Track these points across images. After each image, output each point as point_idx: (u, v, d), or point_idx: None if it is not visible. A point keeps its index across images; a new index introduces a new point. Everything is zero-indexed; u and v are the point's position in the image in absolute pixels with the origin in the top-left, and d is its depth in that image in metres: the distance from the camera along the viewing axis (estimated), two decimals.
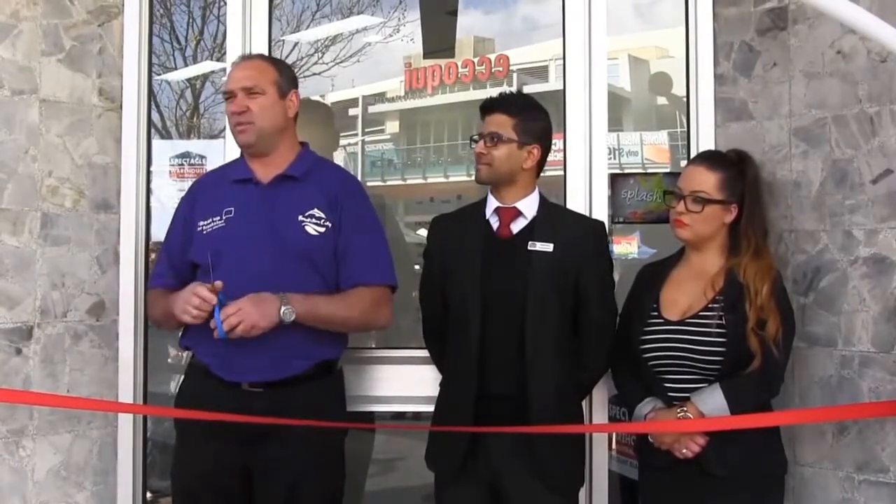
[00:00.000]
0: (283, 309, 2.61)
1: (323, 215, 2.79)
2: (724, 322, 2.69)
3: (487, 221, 2.90)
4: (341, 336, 2.86)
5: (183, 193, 3.23)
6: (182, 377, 2.92)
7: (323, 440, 2.74)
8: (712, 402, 2.65)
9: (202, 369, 2.77)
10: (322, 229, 2.78)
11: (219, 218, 2.79)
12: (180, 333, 2.90)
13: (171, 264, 2.87)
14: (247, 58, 2.94)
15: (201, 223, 2.81)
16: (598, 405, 3.20)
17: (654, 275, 2.93)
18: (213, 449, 2.71)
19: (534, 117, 2.88)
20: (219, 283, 2.61)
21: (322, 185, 2.85)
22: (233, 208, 2.79)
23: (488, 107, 2.90)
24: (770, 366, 2.66)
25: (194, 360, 2.84)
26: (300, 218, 2.78)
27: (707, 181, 2.77)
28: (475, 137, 2.90)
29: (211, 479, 2.74)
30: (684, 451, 2.68)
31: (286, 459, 2.71)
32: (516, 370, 2.78)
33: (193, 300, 2.60)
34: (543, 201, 2.92)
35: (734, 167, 2.82)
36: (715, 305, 2.73)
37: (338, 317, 2.76)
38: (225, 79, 2.91)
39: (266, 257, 2.72)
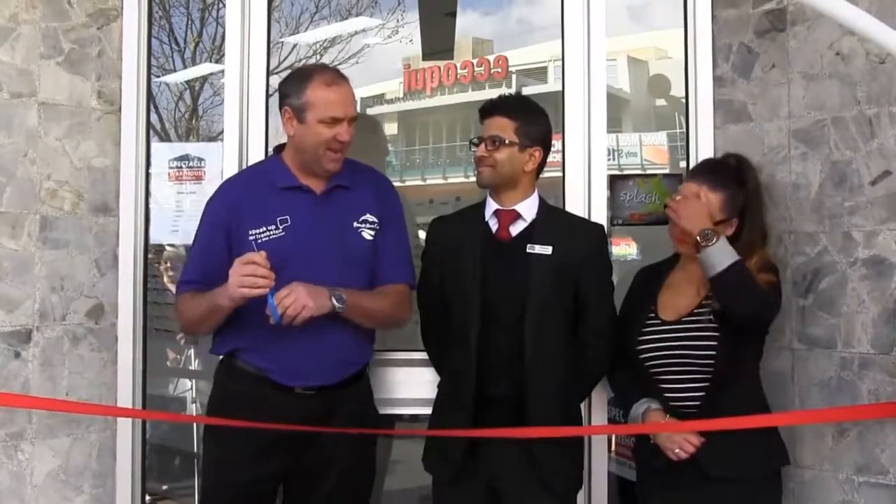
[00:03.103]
0: (334, 297, 2.64)
1: (375, 219, 2.84)
2: (713, 317, 2.70)
3: (487, 224, 2.90)
4: (373, 339, 2.93)
5: (182, 196, 3.22)
6: (214, 381, 2.90)
7: (363, 441, 2.82)
8: (717, 255, 2.63)
9: (252, 374, 2.76)
10: (373, 233, 2.84)
11: (274, 227, 2.76)
12: (213, 339, 2.86)
13: (206, 271, 2.78)
14: (340, 77, 2.81)
15: (253, 231, 2.75)
16: (598, 407, 3.20)
17: (651, 277, 2.94)
18: (261, 454, 2.72)
19: (535, 120, 2.87)
20: (263, 252, 2.60)
21: (368, 190, 2.88)
22: (287, 217, 2.76)
23: (489, 110, 2.89)
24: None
25: (240, 364, 2.80)
26: (355, 224, 2.82)
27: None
28: (475, 141, 2.89)
29: (256, 485, 2.76)
30: (677, 450, 2.68)
31: (330, 461, 2.76)
32: (515, 373, 2.77)
33: (252, 268, 2.57)
34: (543, 204, 2.92)
35: (734, 180, 2.80)
36: (707, 302, 2.74)
37: (375, 312, 2.82)
38: (309, 94, 2.74)
39: (333, 266, 2.74)
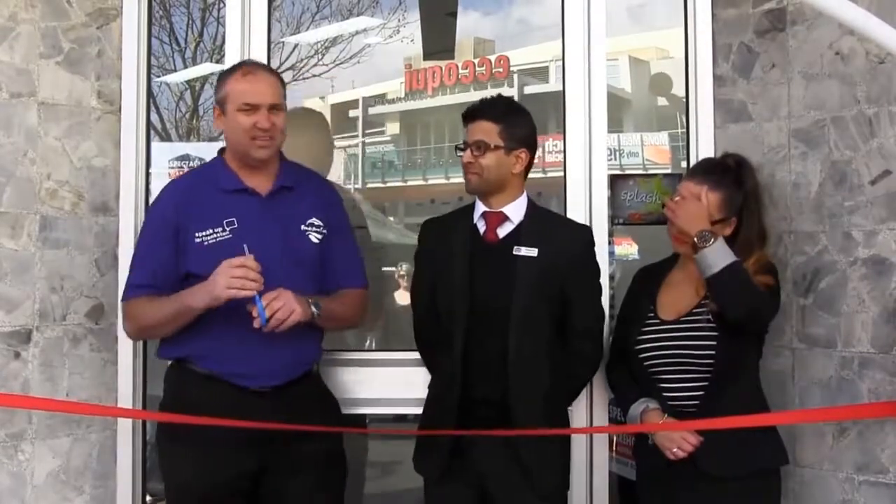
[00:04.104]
0: (312, 304, 2.69)
1: (321, 223, 2.85)
2: (711, 317, 2.69)
3: (475, 226, 2.89)
4: (322, 338, 2.94)
5: None
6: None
7: (331, 438, 2.82)
8: (714, 255, 2.63)
9: (204, 376, 2.75)
10: (320, 237, 2.85)
11: (221, 229, 2.75)
12: (160, 343, 2.87)
13: (156, 274, 2.78)
14: (260, 68, 2.87)
15: (200, 234, 2.75)
16: (599, 407, 3.19)
17: (651, 276, 2.94)
18: (230, 454, 2.70)
19: (519, 122, 2.85)
20: (252, 255, 2.61)
21: (313, 193, 2.91)
22: (234, 219, 2.76)
23: (471, 114, 2.86)
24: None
25: (194, 368, 2.78)
26: (303, 227, 2.83)
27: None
28: (461, 146, 2.88)
29: (230, 484, 2.74)
30: (675, 450, 2.68)
31: (300, 459, 2.76)
32: (500, 375, 2.76)
33: (243, 271, 2.58)
34: (531, 206, 2.90)
35: (733, 180, 2.79)
36: (706, 302, 2.74)
37: (340, 316, 2.87)
38: (227, 87, 2.79)
39: (281, 268, 2.72)
